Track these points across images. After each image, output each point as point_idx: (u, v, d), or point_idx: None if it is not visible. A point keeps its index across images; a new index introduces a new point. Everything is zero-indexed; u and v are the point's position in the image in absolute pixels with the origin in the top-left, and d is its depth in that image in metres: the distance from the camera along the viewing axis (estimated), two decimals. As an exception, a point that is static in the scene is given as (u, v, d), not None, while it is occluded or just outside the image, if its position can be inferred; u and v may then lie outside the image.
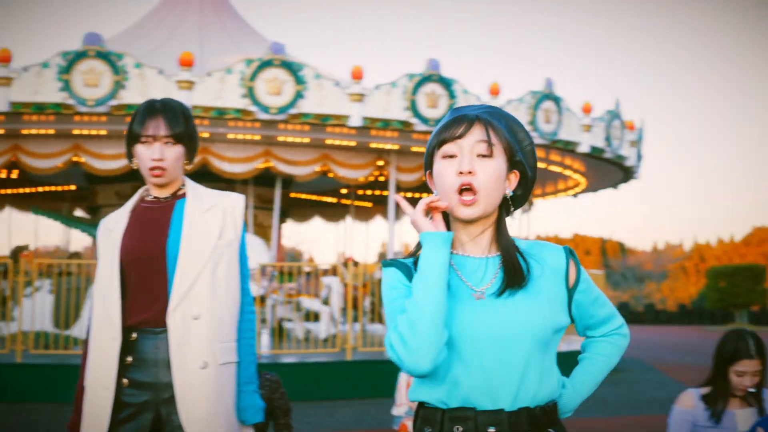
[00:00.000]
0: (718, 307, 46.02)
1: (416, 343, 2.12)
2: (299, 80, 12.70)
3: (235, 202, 3.34)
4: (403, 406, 4.91)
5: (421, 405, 2.31)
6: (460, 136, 2.22)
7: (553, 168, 16.87)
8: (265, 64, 12.56)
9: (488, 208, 2.25)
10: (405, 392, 4.71)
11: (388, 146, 14.49)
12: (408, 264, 2.30)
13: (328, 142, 14.25)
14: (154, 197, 3.31)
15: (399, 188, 15.23)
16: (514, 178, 2.31)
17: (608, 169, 17.66)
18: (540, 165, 15.36)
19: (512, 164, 2.29)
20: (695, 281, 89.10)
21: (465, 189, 2.22)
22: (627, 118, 17.26)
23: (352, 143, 14.31)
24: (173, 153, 3.21)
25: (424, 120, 13.31)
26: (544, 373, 2.26)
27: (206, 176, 15.08)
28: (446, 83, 13.52)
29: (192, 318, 3.16)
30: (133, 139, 3.23)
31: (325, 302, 14.80)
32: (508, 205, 2.33)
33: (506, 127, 2.29)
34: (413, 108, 13.25)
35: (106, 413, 3.14)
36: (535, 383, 2.24)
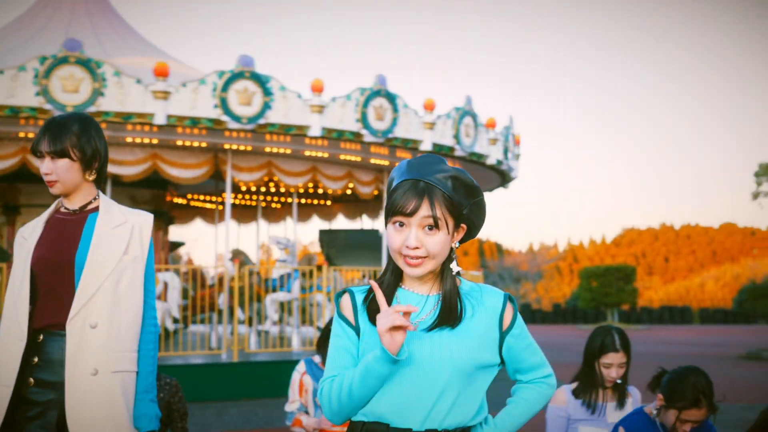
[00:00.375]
0: (591, 306, 47.47)
1: (339, 413, 2.49)
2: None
3: (144, 220, 3.56)
4: (295, 402, 5.00)
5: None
6: (410, 214, 2.41)
7: None
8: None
9: (434, 266, 2.48)
10: (297, 389, 4.99)
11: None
12: (355, 296, 2.57)
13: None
14: (66, 208, 3.54)
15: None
16: (462, 230, 2.54)
17: (485, 173, 18.36)
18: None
19: (459, 221, 2.50)
20: (569, 281, 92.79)
21: (409, 257, 2.44)
22: (487, 116, 17.50)
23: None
24: (62, 166, 3.43)
25: (236, 118, 13.40)
26: (458, 403, 2.46)
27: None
28: (260, 80, 13.53)
29: (90, 326, 3.33)
30: (33, 153, 3.52)
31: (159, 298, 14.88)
32: (451, 252, 2.53)
33: (452, 192, 2.46)
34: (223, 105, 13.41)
35: (2, 410, 3.32)
36: (446, 410, 2.45)
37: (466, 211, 2.50)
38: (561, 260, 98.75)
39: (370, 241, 18.77)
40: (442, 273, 2.52)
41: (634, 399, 4.56)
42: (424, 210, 2.41)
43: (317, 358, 5.06)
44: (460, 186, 2.49)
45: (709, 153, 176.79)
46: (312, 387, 4.96)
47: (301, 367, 5.03)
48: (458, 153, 16.14)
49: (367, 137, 14.60)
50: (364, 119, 14.45)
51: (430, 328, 2.45)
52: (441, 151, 15.82)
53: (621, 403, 4.48)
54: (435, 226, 2.42)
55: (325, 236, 20.88)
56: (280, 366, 13.35)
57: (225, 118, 13.29)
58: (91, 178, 3.50)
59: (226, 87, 13.26)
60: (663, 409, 3.98)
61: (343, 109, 14.32)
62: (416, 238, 2.42)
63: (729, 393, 13.44)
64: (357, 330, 2.53)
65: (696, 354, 24.91)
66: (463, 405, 2.48)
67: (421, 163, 2.49)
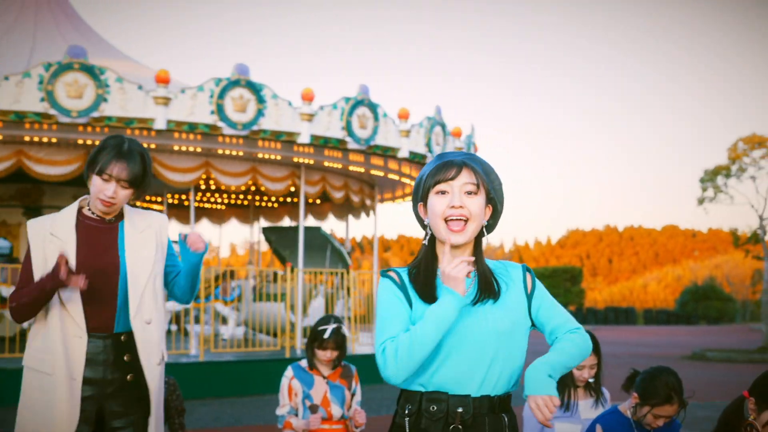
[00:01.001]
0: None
1: (406, 366, 2.65)
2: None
3: (161, 221, 3.90)
4: (286, 406, 5.07)
5: (402, 388, 2.80)
6: (452, 178, 2.74)
7: (392, 176, 18.10)
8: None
9: (472, 235, 2.76)
10: (287, 394, 5.06)
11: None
12: (401, 274, 2.82)
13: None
14: (98, 216, 3.78)
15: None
16: (488, 211, 2.84)
17: None
18: (377, 173, 17.43)
19: (487, 200, 2.81)
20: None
21: (453, 220, 2.73)
22: (454, 125, 18.11)
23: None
24: (125, 194, 3.71)
25: (232, 124, 13.90)
26: (506, 368, 2.74)
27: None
28: (255, 88, 14.05)
29: (146, 323, 3.70)
30: (95, 170, 3.66)
31: None
32: (481, 233, 2.81)
33: (483, 171, 2.81)
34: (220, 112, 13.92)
35: (77, 401, 3.60)
36: (497, 376, 2.72)
37: (492, 191, 2.84)
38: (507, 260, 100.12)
39: (317, 240, 18.96)
40: (475, 251, 2.83)
41: (604, 398, 4.84)
42: (465, 176, 2.76)
43: (304, 363, 5.16)
44: (487, 168, 2.87)
45: (654, 157, 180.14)
46: (301, 390, 5.05)
47: (288, 372, 5.11)
48: (429, 160, 16.75)
49: (351, 144, 15.33)
50: (348, 127, 15.18)
51: (474, 303, 2.75)
52: (415, 159, 16.61)
53: (597, 402, 4.76)
54: (475, 190, 2.76)
55: (273, 234, 20.59)
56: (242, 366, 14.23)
57: (221, 124, 13.90)
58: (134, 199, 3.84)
59: (222, 94, 13.86)
60: (638, 407, 4.17)
61: (329, 117, 15.03)
62: (459, 199, 2.74)
63: None
64: (409, 302, 2.77)
65: (643, 354, 25.94)
66: (510, 369, 2.76)
67: (452, 153, 2.88)
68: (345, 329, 5.10)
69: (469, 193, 2.76)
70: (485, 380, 2.71)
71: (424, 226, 2.85)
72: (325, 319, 5.09)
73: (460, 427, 2.70)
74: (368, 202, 18.95)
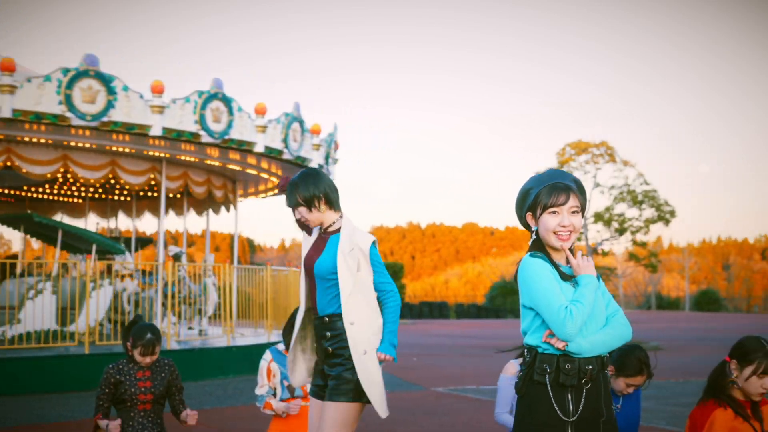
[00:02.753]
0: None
1: (579, 326, 3.48)
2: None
3: (366, 241, 4.80)
4: (264, 387, 5.46)
5: (537, 352, 3.57)
6: (562, 204, 3.64)
7: (250, 171, 18.37)
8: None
9: (574, 240, 3.70)
10: (265, 375, 5.49)
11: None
12: (544, 259, 3.66)
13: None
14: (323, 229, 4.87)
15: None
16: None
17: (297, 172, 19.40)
18: (235, 167, 17.58)
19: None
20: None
21: (561, 232, 3.64)
22: (313, 122, 18.27)
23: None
24: (304, 213, 4.80)
25: (81, 115, 13.67)
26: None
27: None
28: (104, 79, 13.87)
29: (349, 323, 4.66)
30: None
31: None
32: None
33: (580, 191, 3.73)
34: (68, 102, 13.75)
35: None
36: (605, 339, 3.62)
37: (584, 204, 3.76)
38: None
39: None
40: (571, 248, 3.74)
41: None
42: (572, 201, 3.66)
43: (281, 346, 5.54)
44: (581, 187, 3.81)
45: (452, 157, 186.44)
46: (279, 372, 5.45)
47: (267, 355, 5.51)
48: (286, 156, 16.92)
49: (205, 138, 15.16)
50: (202, 121, 14.99)
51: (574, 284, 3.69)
52: (272, 154, 16.56)
53: None
54: (578, 211, 3.68)
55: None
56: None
57: (69, 114, 13.50)
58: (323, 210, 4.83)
59: (70, 84, 13.46)
60: (613, 377, 4.85)
61: (182, 110, 14.82)
62: (568, 219, 3.64)
63: None
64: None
65: (476, 345, 27.28)
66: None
67: (552, 174, 3.79)
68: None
69: (574, 212, 3.67)
70: (597, 342, 3.57)
71: (530, 230, 3.74)
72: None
73: (590, 381, 3.51)
74: (230, 197, 18.85)
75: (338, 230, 4.80)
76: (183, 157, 16.32)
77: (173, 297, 16.00)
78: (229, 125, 15.39)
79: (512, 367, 5.31)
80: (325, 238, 4.80)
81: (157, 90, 14.48)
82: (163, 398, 5.45)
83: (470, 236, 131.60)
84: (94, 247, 16.53)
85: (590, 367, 3.50)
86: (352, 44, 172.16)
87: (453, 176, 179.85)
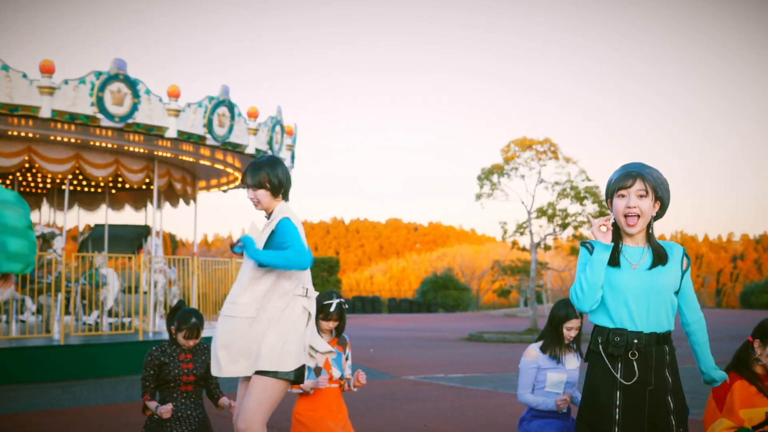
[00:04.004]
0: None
1: (583, 298, 3.97)
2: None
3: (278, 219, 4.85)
4: None
5: (595, 325, 4.03)
6: (629, 186, 3.95)
7: (218, 165, 18.93)
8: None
9: (644, 225, 3.98)
10: None
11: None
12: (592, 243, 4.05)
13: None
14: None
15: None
16: (657, 205, 4.01)
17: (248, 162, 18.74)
18: (205, 162, 18.34)
19: (656, 198, 3.99)
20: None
21: (629, 216, 3.95)
22: (288, 124, 19.11)
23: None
24: (257, 195, 4.89)
25: (110, 116, 14.52)
26: (666, 316, 3.96)
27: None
28: (131, 83, 14.78)
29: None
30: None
31: None
32: (652, 220, 4.03)
33: (652, 177, 3.97)
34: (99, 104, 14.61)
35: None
36: (661, 319, 3.96)
37: (659, 191, 3.99)
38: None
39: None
40: (647, 233, 4.05)
41: (580, 353, 5.81)
42: (638, 184, 3.95)
43: None
44: (656, 175, 4.02)
45: (377, 152, 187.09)
46: None
47: None
48: (210, 142, 16.48)
49: (209, 141, 16.26)
50: (209, 125, 16.11)
51: (650, 268, 3.98)
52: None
53: (577, 355, 5.75)
54: (645, 194, 3.94)
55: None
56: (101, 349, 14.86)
57: (100, 115, 14.52)
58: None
59: (102, 87, 14.51)
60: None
61: (194, 114, 15.95)
62: (634, 201, 3.94)
63: (471, 367, 16.21)
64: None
65: (427, 337, 28.43)
66: (670, 317, 3.96)
67: (632, 164, 4.07)
68: (346, 304, 5.89)
69: (641, 196, 3.95)
70: (654, 321, 3.95)
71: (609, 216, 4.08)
72: (329, 295, 5.81)
73: (636, 353, 3.90)
74: (189, 190, 19.57)
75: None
76: (182, 157, 17.36)
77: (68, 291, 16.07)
78: (230, 130, 16.66)
79: (533, 351, 5.71)
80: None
81: (174, 94, 15.56)
82: (203, 380, 5.70)
83: (394, 232, 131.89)
84: None
85: (636, 341, 3.88)
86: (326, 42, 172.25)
87: (377, 172, 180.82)
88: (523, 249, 31.56)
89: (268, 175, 4.80)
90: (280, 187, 4.84)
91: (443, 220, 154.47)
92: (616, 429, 3.87)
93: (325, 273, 49.36)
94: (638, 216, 3.96)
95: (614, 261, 3.99)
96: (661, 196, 4.01)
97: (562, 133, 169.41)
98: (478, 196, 30.68)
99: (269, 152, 17.97)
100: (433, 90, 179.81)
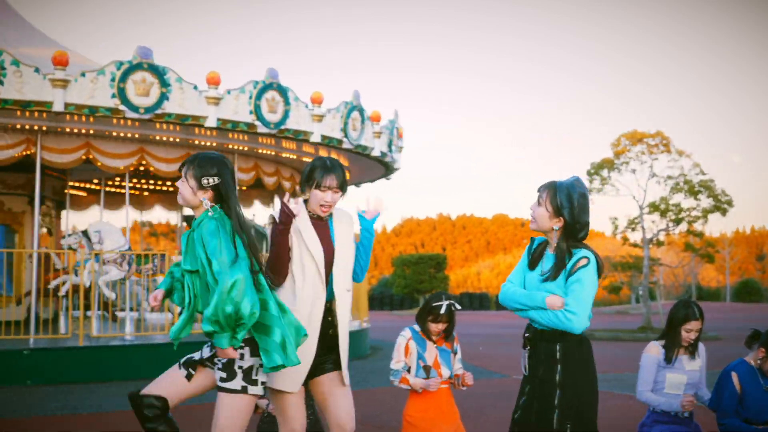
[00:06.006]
0: (405, 292, 49.01)
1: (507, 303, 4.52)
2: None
3: (348, 217, 4.96)
4: (401, 362, 5.52)
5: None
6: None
7: (305, 159, 17.73)
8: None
9: (538, 228, 4.53)
10: (402, 351, 5.53)
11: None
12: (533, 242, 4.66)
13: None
14: (317, 216, 4.80)
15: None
16: (558, 221, 4.41)
17: (369, 164, 18.98)
18: (291, 155, 17.16)
19: (555, 212, 4.38)
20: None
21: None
22: (372, 110, 17.71)
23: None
24: (337, 197, 4.79)
25: (134, 108, 13.38)
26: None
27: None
28: (158, 71, 13.56)
29: (346, 291, 4.84)
30: (312, 185, 4.73)
31: None
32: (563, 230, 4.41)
33: (558, 194, 4.38)
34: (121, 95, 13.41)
35: (313, 348, 4.68)
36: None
37: (561, 207, 4.37)
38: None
39: None
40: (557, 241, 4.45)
41: (700, 352, 5.81)
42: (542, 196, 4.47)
43: (417, 327, 5.61)
44: (564, 192, 4.39)
45: (482, 149, 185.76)
46: (416, 351, 5.54)
47: (406, 332, 5.60)
48: (346, 145, 16.47)
49: (261, 128, 14.73)
50: (257, 111, 14.57)
51: (544, 278, 4.43)
52: (330, 144, 16.12)
53: (693, 356, 5.75)
54: (537, 204, 4.48)
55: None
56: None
57: (123, 107, 13.14)
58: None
59: (124, 77, 13.10)
60: (764, 359, 5.59)
61: (237, 101, 14.38)
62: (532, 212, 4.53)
63: (621, 365, 14.86)
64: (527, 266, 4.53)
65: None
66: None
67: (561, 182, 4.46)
68: (457, 305, 5.61)
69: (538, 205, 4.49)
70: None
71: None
72: (439, 297, 5.58)
73: (526, 345, 4.47)
74: (287, 185, 18.43)
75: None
76: (229, 146, 15.90)
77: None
78: (285, 115, 14.93)
79: (654, 348, 5.73)
80: (323, 224, 4.84)
81: (213, 81, 14.04)
82: None
83: (501, 227, 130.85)
84: None
85: (527, 335, 4.47)
86: (409, 35, 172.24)
87: (484, 168, 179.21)
88: (634, 245, 30.99)
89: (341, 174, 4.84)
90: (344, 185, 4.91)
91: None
92: (516, 414, 4.49)
93: (433, 269, 48.39)
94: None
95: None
96: (562, 213, 4.41)
97: (673, 126, 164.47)
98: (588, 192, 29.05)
99: (344, 140, 16.52)
100: (540, 83, 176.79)
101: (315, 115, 15.60)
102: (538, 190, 4.44)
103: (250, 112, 14.48)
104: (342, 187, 4.75)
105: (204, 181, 4.27)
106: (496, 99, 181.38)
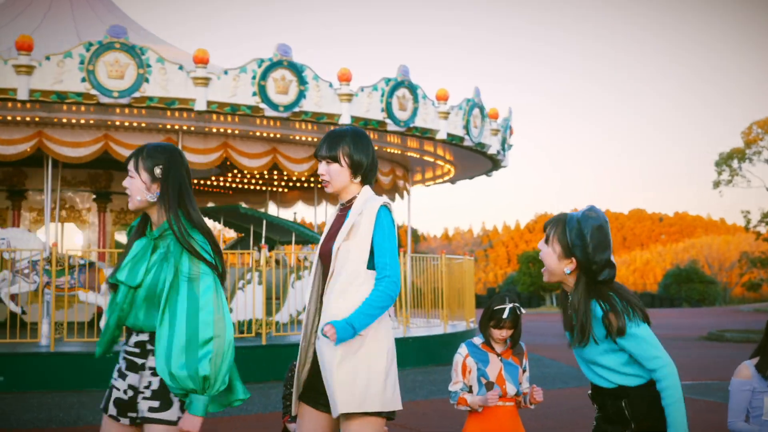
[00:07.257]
0: (530, 290, 48.67)
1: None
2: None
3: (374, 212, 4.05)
4: (459, 383, 5.04)
5: None
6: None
7: (427, 158, 18.08)
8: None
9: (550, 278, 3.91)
10: (460, 371, 5.06)
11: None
12: None
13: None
14: (342, 206, 4.16)
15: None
16: (569, 262, 3.69)
17: (474, 158, 18.66)
18: (413, 154, 17.29)
19: (566, 254, 3.67)
20: (493, 266, 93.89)
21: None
22: (490, 107, 17.71)
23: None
24: (332, 169, 4.06)
25: (274, 106, 13.56)
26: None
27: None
28: (296, 69, 13.73)
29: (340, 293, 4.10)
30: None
31: None
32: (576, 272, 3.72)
33: (567, 232, 3.61)
34: (262, 93, 13.49)
35: (309, 356, 4.12)
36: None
37: (572, 248, 3.62)
38: (476, 245, 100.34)
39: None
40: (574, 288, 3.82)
41: None
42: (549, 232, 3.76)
43: (477, 340, 5.12)
44: (576, 230, 3.63)
45: (618, 143, 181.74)
46: (475, 368, 5.02)
47: (463, 349, 5.10)
48: (467, 143, 16.59)
49: (391, 126, 14.95)
50: (388, 109, 14.78)
51: None
52: (453, 141, 16.25)
53: None
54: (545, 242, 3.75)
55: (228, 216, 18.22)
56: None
57: (263, 105, 13.50)
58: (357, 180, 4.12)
59: (264, 75, 13.45)
60: None
61: (369, 98, 14.63)
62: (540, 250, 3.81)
63: (703, 372, 14.23)
64: None
65: (663, 335, 25.93)
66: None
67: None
68: (522, 309, 5.09)
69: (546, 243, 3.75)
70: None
71: None
72: (502, 299, 5.06)
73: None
74: (400, 183, 18.65)
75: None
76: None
77: None
78: (414, 113, 15.12)
79: (745, 370, 4.94)
80: (343, 216, 4.13)
81: (345, 78, 14.34)
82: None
83: (637, 223, 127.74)
84: (293, 237, 16.69)
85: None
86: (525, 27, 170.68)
87: (619, 162, 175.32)
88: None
89: (348, 147, 4.05)
90: (359, 167, 4.06)
91: (690, 209, 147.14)
92: None
93: (564, 267, 47.13)
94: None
95: None
96: (574, 253, 3.64)
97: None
98: (716, 184, 28.28)
99: (466, 138, 16.58)
100: (667, 74, 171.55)
101: (441, 113, 15.76)
102: (545, 227, 3.76)
103: (381, 110, 14.71)
104: (335, 158, 4.03)
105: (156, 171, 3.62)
106: (624, 86, 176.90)
